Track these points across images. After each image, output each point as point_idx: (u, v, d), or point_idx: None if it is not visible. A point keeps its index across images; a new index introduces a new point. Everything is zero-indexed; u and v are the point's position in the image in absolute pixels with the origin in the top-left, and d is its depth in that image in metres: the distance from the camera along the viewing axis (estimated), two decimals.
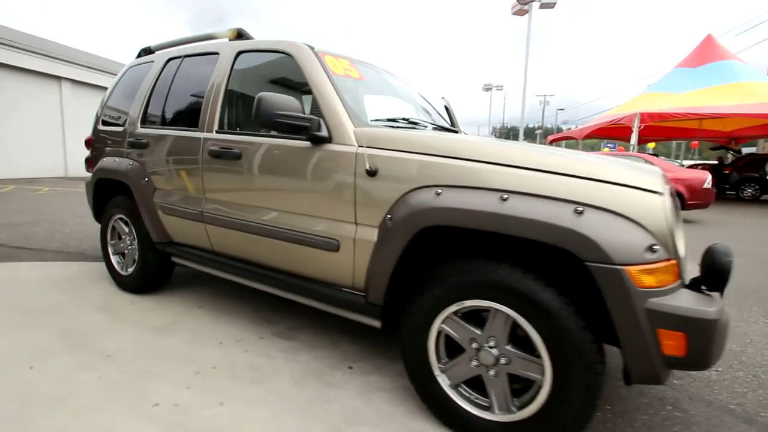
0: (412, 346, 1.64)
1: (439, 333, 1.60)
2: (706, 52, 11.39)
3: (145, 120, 2.78)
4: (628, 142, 12.41)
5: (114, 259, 3.07)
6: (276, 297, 2.43)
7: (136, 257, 2.86)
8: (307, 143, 1.91)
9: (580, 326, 1.31)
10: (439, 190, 1.53)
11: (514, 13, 12.69)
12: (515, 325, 1.45)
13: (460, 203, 1.45)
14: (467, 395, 1.58)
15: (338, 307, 1.94)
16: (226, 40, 2.56)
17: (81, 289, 3.04)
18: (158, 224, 2.66)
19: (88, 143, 3.27)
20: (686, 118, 9.88)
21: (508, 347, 1.47)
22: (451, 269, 1.52)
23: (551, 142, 15.06)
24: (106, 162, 2.96)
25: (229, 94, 2.35)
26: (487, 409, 1.54)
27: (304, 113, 1.84)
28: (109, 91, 3.22)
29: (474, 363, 1.54)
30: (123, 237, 3.00)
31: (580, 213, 1.29)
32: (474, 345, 1.54)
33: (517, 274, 1.39)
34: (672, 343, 1.24)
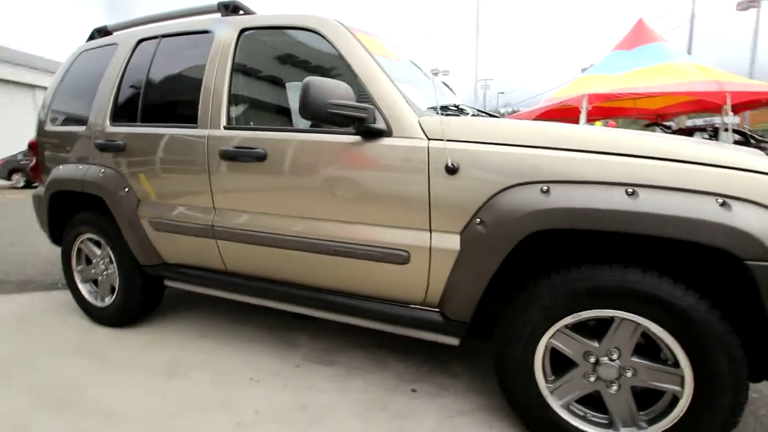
0: (514, 365, 1.43)
1: (546, 348, 1.41)
2: (639, 35, 12.09)
3: (116, 116, 2.26)
4: (576, 122, 12.99)
5: (83, 289, 2.53)
6: (287, 314, 2.18)
7: (117, 284, 2.36)
8: (356, 137, 1.61)
9: (727, 331, 1.18)
10: (545, 187, 1.32)
11: None
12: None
13: (581, 202, 1.25)
14: (582, 414, 1.42)
15: (403, 326, 1.68)
16: (218, 15, 2.11)
17: (43, 327, 2.47)
18: (146, 244, 2.19)
19: (33, 147, 2.64)
20: (629, 98, 10.44)
21: (634, 358, 1.32)
22: (567, 277, 1.32)
23: None
24: (66, 171, 2.39)
25: (234, 82, 1.94)
26: (608, 426, 1.38)
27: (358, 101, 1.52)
28: (55, 82, 2.60)
29: (591, 378, 1.37)
30: (94, 261, 2.46)
31: (727, 206, 1.15)
32: (591, 359, 1.37)
33: (651, 278, 1.23)
34: None
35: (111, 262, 2.39)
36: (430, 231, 1.52)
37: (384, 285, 1.65)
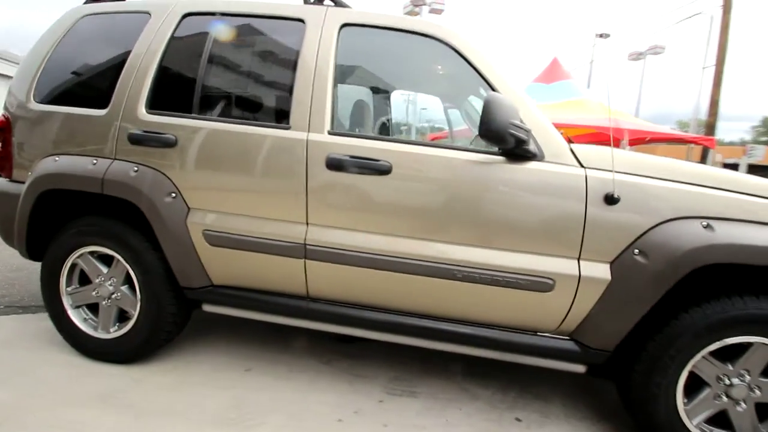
0: (660, 392, 1.49)
1: (687, 373, 1.50)
2: (554, 72, 13.66)
3: (156, 103, 1.82)
4: None
5: (75, 316, 1.96)
6: (328, 338, 2.06)
7: (136, 310, 1.88)
8: (499, 158, 1.54)
9: None
10: (705, 223, 1.41)
11: (406, 14, 13.15)
12: None
13: (746, 239, 1.37)
14: None
15: (530, 355, 1.64)
16: (301, 2, 1.85)
17: (17, 369, 1.85)
18: (194, 261, 1.79)
19: (3, 128, 1.99)
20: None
21: (761, 378, 1.48)
22: (717, 307, 1.43)
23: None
24: (69, 164, 1.84)
25: (337, 83, 1.71)
26: None
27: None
28: (45, 48, 2.00)
29: (723, 398, 1.50)
30: (97, 280, 1.93)
31: None
32: (725, 381, 1.49)
33: None
34: None
35: (125, 282, 1.91)
36: (579, 259, 1.51)
37: (518, 313, 1.60)
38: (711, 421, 1.54)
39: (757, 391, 1.48)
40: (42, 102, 1.96)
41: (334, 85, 1.70)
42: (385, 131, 2.45)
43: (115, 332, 1.93)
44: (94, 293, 1.95)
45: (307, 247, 1.67)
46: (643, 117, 16.99)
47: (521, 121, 1.45)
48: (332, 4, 1.85)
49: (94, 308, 1.99)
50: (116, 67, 1.89)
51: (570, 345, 1.59)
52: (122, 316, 1.96)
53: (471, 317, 1.65)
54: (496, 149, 1.54)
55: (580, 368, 1.63)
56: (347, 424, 1.69)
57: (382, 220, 1.62)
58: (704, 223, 1.42)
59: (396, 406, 1.83)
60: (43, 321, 2.33)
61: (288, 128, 1.68)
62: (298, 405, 1.78)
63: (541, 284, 1.53)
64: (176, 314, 1.91)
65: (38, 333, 2.19)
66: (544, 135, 1.54)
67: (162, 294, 1.86)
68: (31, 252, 1.98)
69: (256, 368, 2.04)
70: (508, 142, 1.41)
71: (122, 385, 1.82)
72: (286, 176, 1.67)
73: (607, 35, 15.29)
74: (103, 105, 1.86)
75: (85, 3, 2.11)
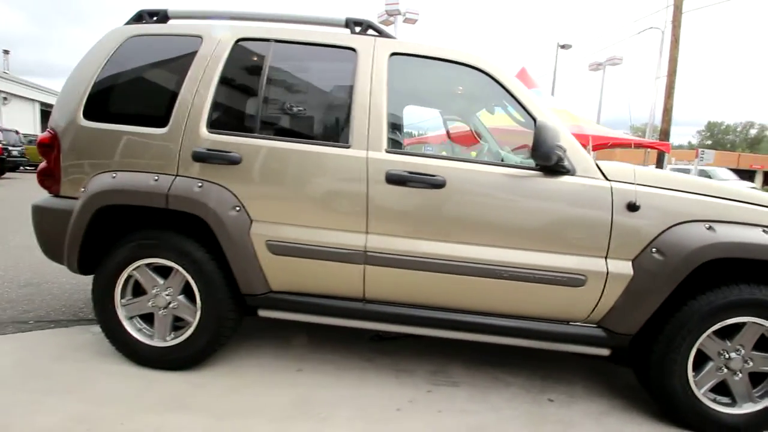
0: (674, 367, 1.77)
1: (696, 350, 1.79)
2: (522, 81, 14.31)
3: (216, 123, 1.93)
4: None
5: (130, 326, 2.03)
6: (364, 338, 2.23)
7: (197, 318, 1.97)
8: (536, 172, 1.79)
9: None
10: (707, 225, 1.72)
11: (380, 23, 13.45)
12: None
13: (742, 237, 1.68)
14: (713, 398, 1.83)
15: (562, 342, 1.89)
16: (347, 31, 2.03)
17: (74, 381, 1.90)
18: (256, 270, 1.92)
19: (49, 145, 2.03)
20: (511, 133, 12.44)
21: (754, 351, 1.79)
22: (719, 294, 1.73)
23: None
24: (130, 180, 1.91)
25: (390, 106, 1.90)
26: (731, 405, 1.82)
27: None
28: (93, 68, 2.05)
29: (724, 370, 1.81)
30: (153, 291, 2.01)
31: None
32: (725, 355, 1.80)
33: None
34: None
35: (182, 292, 2.00)
36: (606, 258, 1.78)
37: (554, 306, 1.84)
38: (713, 389, 1.85)
39: (750, 362, 1.80)
40: (93, 120, 2.02)
41: (388, 108, 1.89)
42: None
43: (172, 340, 2.02)
44: (149, 303, 2.03)
45: (368, 253, 1.85)
46: (603, 123, 18.02)
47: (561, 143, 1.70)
48: (377, 34, 2.04)
49: (146, 318, 2.07)
50: (171, 88, 1.98)
51: (598, 332, 1.85)
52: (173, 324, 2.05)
53: (513, 311, 1.88)
54: (534, 165, 1.79)
55: (605, 352, 1.89)
56: (406, 412, 1.87)
57: (437, 228, 1.82)
58: (707, 226, 1.72)
59: (444, 396, 2.02)
60: (80, 334, 2.38)
61: (348, 147, 1.85)
62: (357, 399, 1.94)
63: (575, 280, 1.78)
64: (235, 320, 2.02)
65: (81, 345, 2.22)
66: (575, 153, 1.81)
67: (223, 301, 1.96)
68: (83, 266, 2.03)
69: (306, 368, 2.18)
70: (552, 161, 1.66)
71: (187, 390, 1.90)
72: (347, 190, 1.84)
73: (569, 46, 16.33)
74: (161, 124, 1.95)
75: (126, 24, 2.19)
